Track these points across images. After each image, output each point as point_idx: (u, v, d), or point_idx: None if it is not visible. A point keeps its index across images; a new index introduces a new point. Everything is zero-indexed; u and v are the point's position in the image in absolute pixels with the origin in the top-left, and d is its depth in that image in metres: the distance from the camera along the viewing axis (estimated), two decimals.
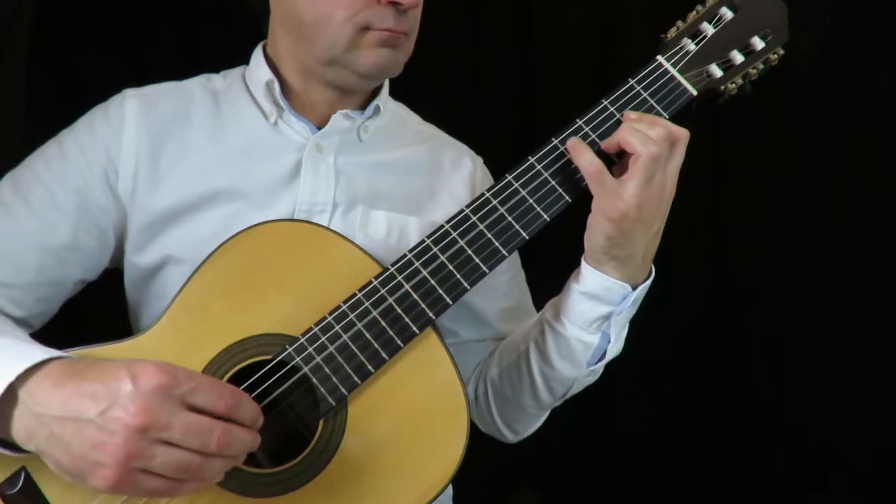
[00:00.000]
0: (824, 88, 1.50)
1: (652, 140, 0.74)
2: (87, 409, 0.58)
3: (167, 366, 0.60)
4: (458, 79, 1.56)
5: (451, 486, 0.97)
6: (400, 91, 1.00)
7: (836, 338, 1.51)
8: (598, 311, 0.80)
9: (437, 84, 1.54)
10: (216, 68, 0.97)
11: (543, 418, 0.97)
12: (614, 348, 0.84)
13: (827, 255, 1.51)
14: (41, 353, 0.64)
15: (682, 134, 0.76)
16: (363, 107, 0.93)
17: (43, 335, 0.77)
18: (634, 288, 0.80)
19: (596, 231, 0.77)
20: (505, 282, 1.00)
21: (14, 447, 0.64)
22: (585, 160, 0.76)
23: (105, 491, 0.59)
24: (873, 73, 1.48)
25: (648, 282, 0.81)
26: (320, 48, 0.84)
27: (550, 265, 1.06)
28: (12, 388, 0.61)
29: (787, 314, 1.53)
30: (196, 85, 0.93)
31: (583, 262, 0.81)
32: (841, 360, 1.51)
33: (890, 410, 1.48)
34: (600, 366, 0.85)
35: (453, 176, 0.99)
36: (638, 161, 0.74)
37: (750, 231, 1.54)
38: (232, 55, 0.97)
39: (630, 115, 0.78)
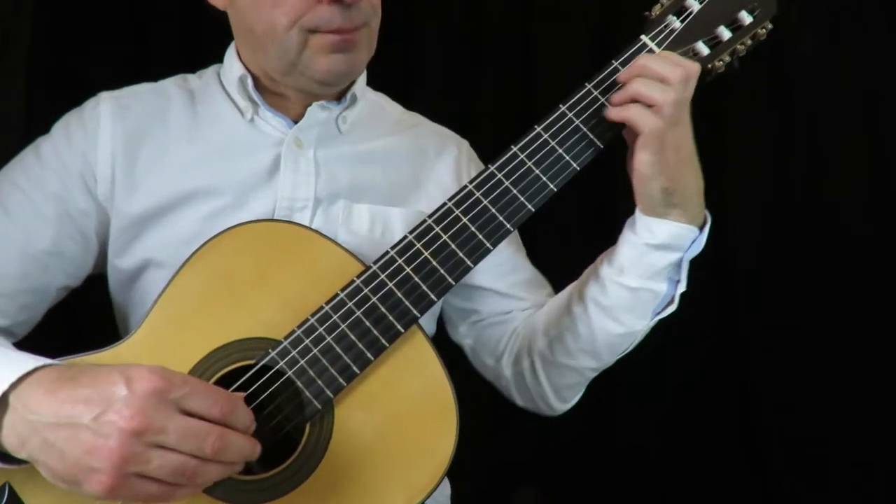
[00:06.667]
0: (824, 88, 1.46)
1: (672, 87, 0.73)
2: (80, 414, 0.57)
3: (161, 370, 0.59)
4: (457, 71, 1.53)
5: (449, 486, 0.97)
6: (399, 83, 0.98)
7: (837, 339, 1.49)
8: (666, 259, 0.79)
9: (436, 75, 1.51)
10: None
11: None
12: (681, 290, 0.83)
13: (827, 257, 1.48)
14: (32, 361, 0.63)
15: (694, 69, 0.75)
16: (339, 98, 0.90)
17: (27, 343, 0.76)
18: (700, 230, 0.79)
19: (648, 188, 0.76)
20: (509, 256, 0.98)
21: (6, 457, 0.63)
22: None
23: (101, 497, 0.57)
24: (873, 72, 1.45)
25: (708, 225, 0.81)
26: (274, 58, 0.82)
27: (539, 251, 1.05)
28: (4, 397, 0.60)
29: (787, 315, 1.51)
30: (172, 85, 0.91)
31: (643, 217, 0.79)
32: (842, 363, 1.48)
33: (890, 416, 1.46)
34: (665, 314, 0.84)
35: (438, 163, 0.97)
36: (662, 109, 0.73)
37: (750, 232, 1.52)
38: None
39: (637, 63, 0.76)
